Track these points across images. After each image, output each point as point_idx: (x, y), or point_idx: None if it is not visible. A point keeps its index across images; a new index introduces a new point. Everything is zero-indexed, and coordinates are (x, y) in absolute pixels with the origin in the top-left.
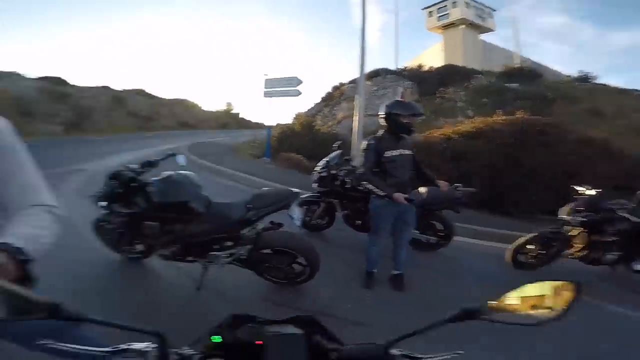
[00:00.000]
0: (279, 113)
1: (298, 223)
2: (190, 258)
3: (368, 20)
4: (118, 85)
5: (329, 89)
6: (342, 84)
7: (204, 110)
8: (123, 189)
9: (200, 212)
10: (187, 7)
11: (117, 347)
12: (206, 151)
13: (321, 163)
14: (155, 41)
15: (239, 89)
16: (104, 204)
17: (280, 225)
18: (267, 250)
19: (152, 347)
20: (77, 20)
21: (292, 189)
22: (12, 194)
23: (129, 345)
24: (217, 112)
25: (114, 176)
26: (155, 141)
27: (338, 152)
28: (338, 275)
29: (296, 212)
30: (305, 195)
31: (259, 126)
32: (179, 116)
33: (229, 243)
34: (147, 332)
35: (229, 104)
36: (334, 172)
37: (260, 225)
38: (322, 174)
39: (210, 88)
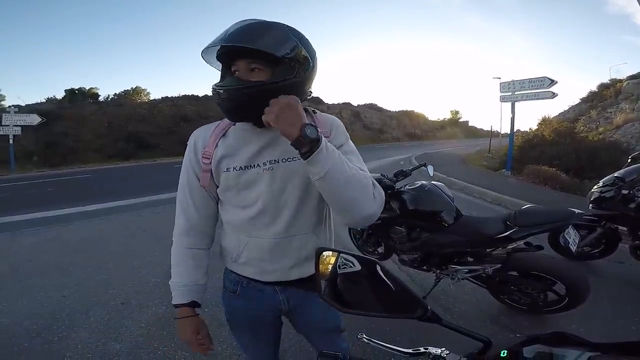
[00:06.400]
0: (517, 119)
1: (574, 248)
2: (426, 267)
3: None
4: (354, 100)
5: (585, 88)
6: (617, 80)
7: (430, 120)
8: None
9: (449, 224)
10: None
11: (417, 350)
12: (434, 162)
13: (607, 180)
14: (380, 57)
15: (466, 95)
16: None
17: (539, 247)
18: (514, 273)
19: (446, 353)
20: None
21: (574, 209)
22: None
23: (426, 348)
24: (443, 121)
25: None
26: (389, 152)
27: (636, 166)
28: (604, 311)
29: (572, 235)
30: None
31: (488, 134)
32: (406, 127)
33: (470, 259)
34: (478, 337)
35: (455, 112)
36: (626, 191)
37: (511, 245)
38: (604, 194)
39: (436, 97)
